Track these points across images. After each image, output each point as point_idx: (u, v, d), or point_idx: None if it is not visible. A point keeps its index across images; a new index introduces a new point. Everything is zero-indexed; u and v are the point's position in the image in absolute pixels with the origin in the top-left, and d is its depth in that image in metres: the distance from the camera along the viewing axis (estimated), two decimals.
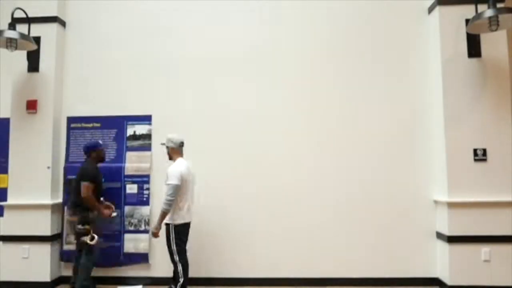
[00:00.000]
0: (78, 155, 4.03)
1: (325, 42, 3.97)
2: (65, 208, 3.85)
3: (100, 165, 3.69)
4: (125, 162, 4.00)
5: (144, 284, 3.85)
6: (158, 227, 3.36)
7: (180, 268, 3.29)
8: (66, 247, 3.92)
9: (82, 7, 4.19)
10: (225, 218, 3.88)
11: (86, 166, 3.53)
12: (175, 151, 3.46)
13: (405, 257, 3.73)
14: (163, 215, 3.28)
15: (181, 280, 3.28)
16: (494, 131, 3.54)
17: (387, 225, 3.76)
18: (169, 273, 3.84)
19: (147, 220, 3.93)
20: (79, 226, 3.43)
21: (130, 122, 4.05)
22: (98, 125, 4.06)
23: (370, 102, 3.88)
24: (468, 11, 3.53)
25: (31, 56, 3.93)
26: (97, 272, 3.87)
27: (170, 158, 3.49)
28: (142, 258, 3.90)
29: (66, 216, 3.80)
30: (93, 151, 3.60)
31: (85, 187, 3.39)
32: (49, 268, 3.79)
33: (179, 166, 3.34)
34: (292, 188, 3.85)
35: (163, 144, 3.54)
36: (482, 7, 3.26)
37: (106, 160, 3.96)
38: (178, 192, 3.26)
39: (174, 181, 3.24)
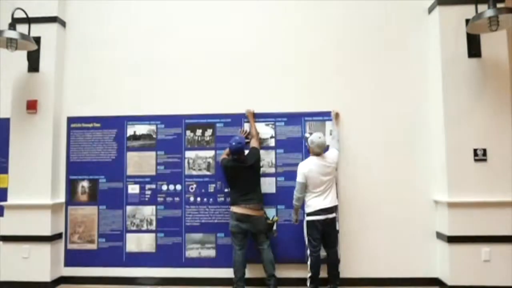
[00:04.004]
0: (78, 155, 4.03)
1: (324, 42, 3.97)
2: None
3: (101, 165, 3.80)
4: (126, 162, 4.00)
5: (149, 284, 3.86)
6: (295, 217, 3.56)
7: (308, 261, 3.40)
8: (70, 246, 3.95)
9: (82, 7, 4.18)
10: None
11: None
12: (310, 148, 3.53)
13: (405, 257, 3.74)
14: (294, 209, 3.52)
15: (308, 274, 3.39)
16: (494, 131, 3.55)
17: (387, 225, 3.77)
18: (172, 274, 3.84)
19: (149, 220, 3.93)
20: (271, 220, 3.64)
21: (130, 122, 4.05)
22: (98, 125, 4.06)
23: (369, 102, 3.88)
24: (468, 11, 3.53)
25: (31, 56, 3.93)
26: (99, 273, 3.91)
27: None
28: (146, 258, 3.90)
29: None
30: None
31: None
32: (49, 268, 3.79)
33: (303, 164, 3.47)
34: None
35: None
36: (482, 7, 3.26)
37: (107, 160, 3.99)
38: (303, 188, 3.40)
39: (297, 178, 3.43)
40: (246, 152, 3.63)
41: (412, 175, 3.80)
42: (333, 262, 3.47)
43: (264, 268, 3.53)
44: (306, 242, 3.44)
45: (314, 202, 3.39)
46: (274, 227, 3.70)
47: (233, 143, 3.53)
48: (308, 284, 3.39)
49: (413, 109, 3.85)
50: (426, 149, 3.80)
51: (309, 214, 3.40)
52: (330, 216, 3.39)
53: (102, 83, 4.11)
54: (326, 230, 3.41)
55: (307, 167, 3.41)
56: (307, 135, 3.68)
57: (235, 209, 3.50)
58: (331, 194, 3.44)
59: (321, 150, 3.47)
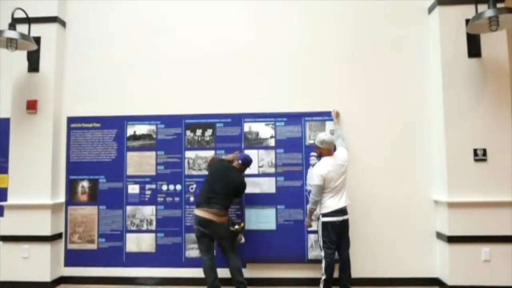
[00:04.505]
0: (78, 155, 4.03)
1: (324, 42, 3.97)
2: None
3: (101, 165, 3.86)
4: (126, 162, 4.00)
5: (149, 284, 3.86)
6: (308, 221, 3.46)
7: (323, 264, 3.32)
8: (70, 246, 3.95)
9: (82, 7, 4.18)
10: None
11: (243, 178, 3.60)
12: (326, 150, 3.43)
13: (405, 257, 3.74)
14: (309, 212, 3.41)
15: (323, 277, 3.31)
16: (494, 131, 3.55)
17: (387, 225, 3.76)
18: (172, 274, 3.85)
19: (149, 220, 3.93)
20: (236, 227, 3.49)
21: (130, 122, 4.05)
22: (98, 125, 4.06)
23: (369, 102, 3.88)
24: (468, 11, 3.53)
25: (31, 56, 3.92)
26: (99, 273, 3.91)
27: (319, 156, 3.50)
28: (146, 258, 3.90)
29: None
30: (246, 167, 3.63)
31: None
32: (49, 268, 3.79)
33: (320, 167, 3.35)
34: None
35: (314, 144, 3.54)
36: (482, 7, 3.26)
37: (107, 160, 3.99)
38: (320, 191, 3.31)
39: (314, 181, 3.32)
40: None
41: (412, 175, 3.79)
42: (347, 263, 3.39)
43: (231, 276, 3.39)
44: (321, 244, 3.34)
45: (330, 203, 3.32)
46: (242, 237, 3.55)
47: (249, 158, 3.58)
48: (321, 286, 3.32)
49: (413, 109, 3.85)
50: (426, 149, 3.80)
51: (326, 215, 3.31)
52: (345, 217, 3.36)
53: (102, 83, 4.11)
54: (341, 232, 3.36)
55: (325, 169, 3.31)
56: (311, 141, 3.68)
57: (196, 211, 3.37)
58: (345, 194, 3.39)
59: (332, 147, 3.43)
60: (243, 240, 3.55)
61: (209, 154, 3.94)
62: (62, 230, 3.98)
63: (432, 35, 3.80)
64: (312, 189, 3.36)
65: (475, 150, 3.55)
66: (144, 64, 4.08)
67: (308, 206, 3.41)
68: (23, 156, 3.88)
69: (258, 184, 3.86)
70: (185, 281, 3.83)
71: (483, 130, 3.56)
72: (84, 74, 4.13)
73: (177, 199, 3.94)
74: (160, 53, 4.08)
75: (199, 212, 3.35)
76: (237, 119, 3.97)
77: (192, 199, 3.92)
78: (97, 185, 4.00)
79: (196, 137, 3.99)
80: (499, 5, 3.17)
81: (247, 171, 3.76)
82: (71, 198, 4.01)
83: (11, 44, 3.48)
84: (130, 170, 3.99)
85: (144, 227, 3.94)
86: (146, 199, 3.96)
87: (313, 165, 3.55)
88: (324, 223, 3.33)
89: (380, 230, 3.77)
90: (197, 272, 3.81)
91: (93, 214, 3.98)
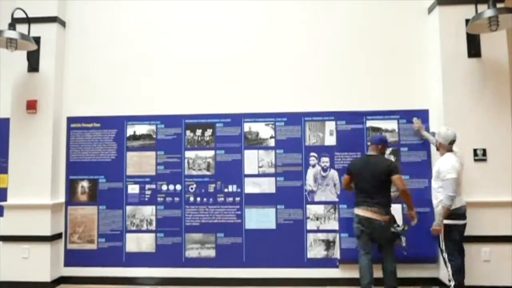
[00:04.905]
0: (78, 155, 4.03)
1: (324, 42, 3.98)
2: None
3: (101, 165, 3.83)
4: (126, 162, 4.00)
5: (149, 284, 3.85)
6: (440, 224, 3.12)
7: (449, 269, 3.15)
8: (70, 246, 3.95)
9: (82, 7, 4.18)
10: None
11: (389, 160, 3.42)
12: (442, 146, 3.27)
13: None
14: (446, 211, 3.08)
15: (451, 283, 3.13)
16: (494, 131, 3.55)
17: None
18: (172, 274, 3.84)
19: (149, 220, 3.93)
20: (399, 227, 3.23)
21: (130, 122, 4.05)
22: (98, 125, 4.06)
23: (369, 102, 3.88)
24: (468, 11, 3.53)
25: (31, 56, 3.92)
26: (99, 273, 3.90)
27: (438, 149, 3.36)
28: (145, 258, 3.90)
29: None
30: (385, 145, 3.39)
31: (401, 179, 3.24)
32: (49, 268, 3.79)
33: (451, 160, 3.13)
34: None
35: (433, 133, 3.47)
36: (482, 7, 3.26)
37: (107, 160, 3.98)
38: (457, 187, 3.07)
39: (450, 175, 3.05)
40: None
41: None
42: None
43: (384, 279, 3.29)
44: (443, 247, 3.16)
45: (460, 202, 3.16)
46: (404, 238, 3.25)
47: (378, 134, 3.46)
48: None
49: (413, 109, 3.84)
50: None
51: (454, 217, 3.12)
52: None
53: (102, 83, 4.11)
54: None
55: (457, 162, 3.10)
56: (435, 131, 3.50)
57: (357, 211, 3.32)
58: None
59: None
60: (403, 244, 3.25)
61: (209, 154, 3.94)
62: (62, 230, 3.98)
63: (432, 35, 3.80)
64: (449, 186, 3.03)
65: (475, 150, 3.55)
66: (144, 64, 4.08)
67: (444, 204, 3.07)
68: (23, 156, 3.88)
69: (258, 184, 3.87)
70: (185, 281, 3.82)
71: (483, 130, 3.56)
72: (84, 74, 4.13)
73: (177, 199, 3.94)
74: (160, 53, 4.08)
75: (359, 211, 3.28)
76: (237, 119, 3.97)
77: (192, 199, 3.92)
78: (97, 185, 4.00)
79: (196, 137, 3.99)
80: (499, 5, 3.18)
81: (249, 171, 3.82)
82: (71, 198, 4.01)
83: (11, 44, 3.48)
84: (130, 170, 3.99)
85: (144, 227, 3.94)
86: (146, 199, 3.96)
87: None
88: (452, 225, 3.13)
89: None
90: (197, 272, 3.83)
91: (93, 214, 3.98)
